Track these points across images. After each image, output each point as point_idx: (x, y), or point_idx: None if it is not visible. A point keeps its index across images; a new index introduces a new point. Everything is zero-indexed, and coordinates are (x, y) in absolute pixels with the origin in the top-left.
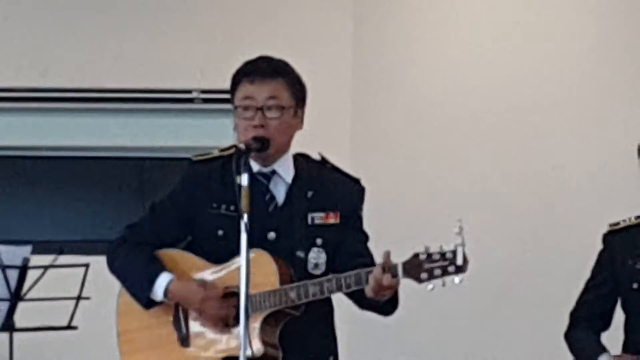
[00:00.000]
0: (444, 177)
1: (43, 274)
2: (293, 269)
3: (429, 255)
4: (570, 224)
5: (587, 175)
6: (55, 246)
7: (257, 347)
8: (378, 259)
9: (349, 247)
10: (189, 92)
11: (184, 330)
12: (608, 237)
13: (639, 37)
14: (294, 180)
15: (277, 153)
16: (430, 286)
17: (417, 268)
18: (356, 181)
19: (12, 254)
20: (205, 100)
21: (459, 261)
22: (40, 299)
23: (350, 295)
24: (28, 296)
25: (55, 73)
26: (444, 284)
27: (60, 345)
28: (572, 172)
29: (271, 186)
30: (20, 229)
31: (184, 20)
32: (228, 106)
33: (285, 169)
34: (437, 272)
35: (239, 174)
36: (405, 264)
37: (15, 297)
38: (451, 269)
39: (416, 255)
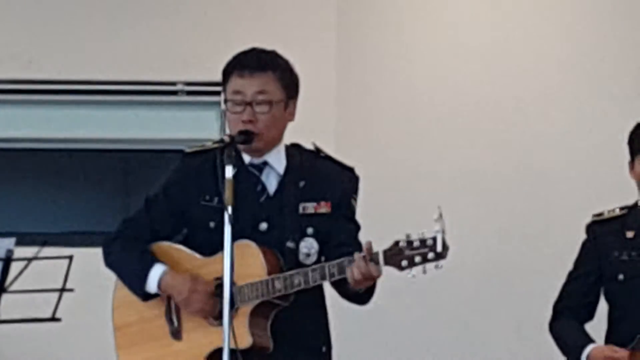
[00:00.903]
0: (428, 168)
1: (26, 266)
2: (284, 260)
3: (410, 243)
4: (556, 216)
5: (575, 169)
6: (39, 238)
7: (246, 338)
8: None
9: (338, 237)
10: (173, 84)
11: (175, 323)
12: (592, 227)
13: (633, 36)
14: (285, 170)
15: (267, 146)
16: (411, 274)
17: (397, 256)
18: (350, 169)
19: None
20: (190, 93)
21: (439, 248)
22: (24, 291)
23: (333, 284)
24: (11, 288)
25: (39, 65)
26: (424, 271)
27: (44, 337)
28: (560, 166)
29: (263, 177)
30: (4, 221)
31: (168, 12)
32: (212, 98)
33: (277, 160)
34: (418, 259)
35: (223, 166)
36: (386, 252)
37: None
38: (431, 255)
39: (397, 243)
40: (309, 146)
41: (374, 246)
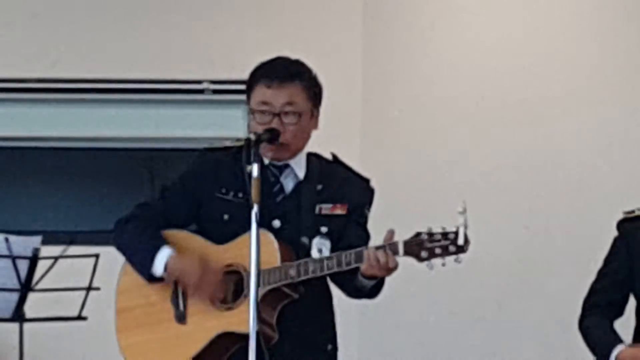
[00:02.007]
0: (453, 167)
1: (53, 264)
2: (297, 255)
3: (431, 235)
4: (582, 213)
5: (598, 166)
6: (65, 237)
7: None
8: None
9: (349, 240)
10: (199, 82)
11: (181, 307)
12: (623, 225)
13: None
14: (305, 176)
15: (292, 156)
16: (430, 265)
17: (418, 246)
18: (366, 181)
19: (23, 245)
20: (215, 91)
21: (461, 241)
22: (50, 290)
23: (339, 283)
24: (38, 287)
25: (65, 64)
26: (444, 264)
27: (70, 336)
28: (582, 163)
29: (282, 178)
30: (31, 220)
31: (194, 11)
32: (238, 97)
33: (298, 164)
34: (438, 251)
35: (249, 163)
36: (406, 242)
37: (26, 287)
38: (452, 248)
39: (418, 234)
40: (328, 156)
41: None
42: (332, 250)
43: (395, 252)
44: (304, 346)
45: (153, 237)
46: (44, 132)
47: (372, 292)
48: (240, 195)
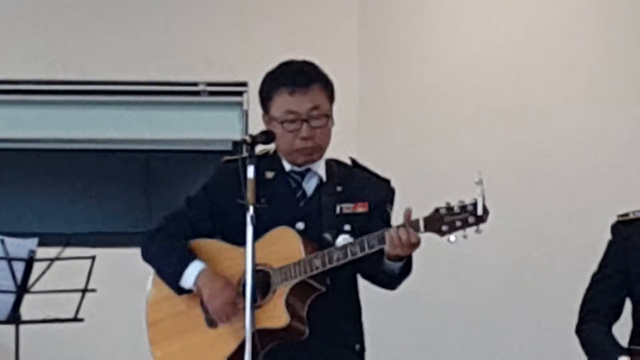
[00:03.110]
0: (449, 168)
1: (49, 266)
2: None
3: (450, 209)
4: (578, 217)
5: (597, 169)
6: (61, 238)
7: (283, 317)
8: None
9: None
10: (196, 84)
11: None
12: (618, 228)
13: (638, 35)
14: (325, 178)
15: (321, 157)
16: (452, 238)
17: (438, 221)
18: (387, 181)
19: (19, 246)
20: (212, 93)
21: (480, 211)
22: (47, 291)
23: (369, 274)
24: (34, 288)
25: (62, 65)
26: (465, 236)
27: (67, 338)
28: (581, 165)
29: (304, 183)
30: (27, 222)
31: (190, 12)
32: (235, 99)
33: (319, 167)
34: (459, 223)
35: (244, 165)
36: (426, 219)
37: (22, 289)
38: (471, 219)
39: (437, 210)
40: (347, 161)
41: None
42: None
43: (417, 229)
44: (333, 344)
45: (184, 250)
46: (40, 133)
47: (402, 273)
48: (263, 201)
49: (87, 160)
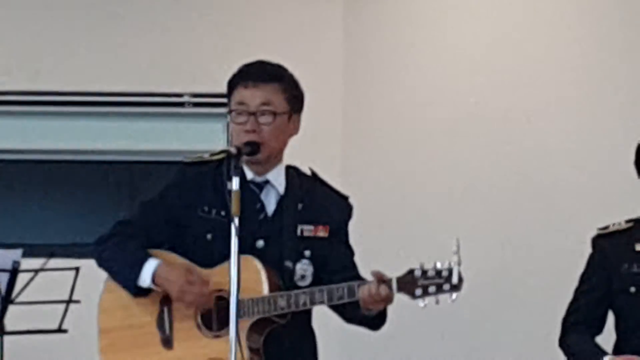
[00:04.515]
0: (434, 179)
1: (33, 277)
2: (281, 279)
3: (424, 272)
4: (563, 228)
5: (579, 178)
6: (45, 249)
7: (244, 353)
8: (366, 272)
9: (337, 261)
10: (180, 95)
11: (167, 330)
12: (598, 241)
13: (636, 38)
14: (285, 191)
15: (270, 159)
16: (423, 303)
17: (411, 284)
18: (345, 198)
19: (3, 258)
20: (196, 105)
21: (455, 280)
22: (31, 303)
23: (336, 308)
24: (18, 299)
25: (46, 76)
26: (437, 302)
27: (51, 349)
28: (567, 176)
29: (262, 195)
30: (11, 233)
31: (174, 24)
32: (219, 110)
33: (277, 179)
34: (432, 289)
35: (230, 178)
36: (399, 279)
37: (6, 300)
38: (446, 287)
39: (411, 272)
40: (306, 170)
41: (373, 263)
42: (315, 274)
43: (390, 288)
44: None
45: (138, 250)
46: (24, 144)
47: (375, 323)
48: (223, 213)
49: (71, 171)
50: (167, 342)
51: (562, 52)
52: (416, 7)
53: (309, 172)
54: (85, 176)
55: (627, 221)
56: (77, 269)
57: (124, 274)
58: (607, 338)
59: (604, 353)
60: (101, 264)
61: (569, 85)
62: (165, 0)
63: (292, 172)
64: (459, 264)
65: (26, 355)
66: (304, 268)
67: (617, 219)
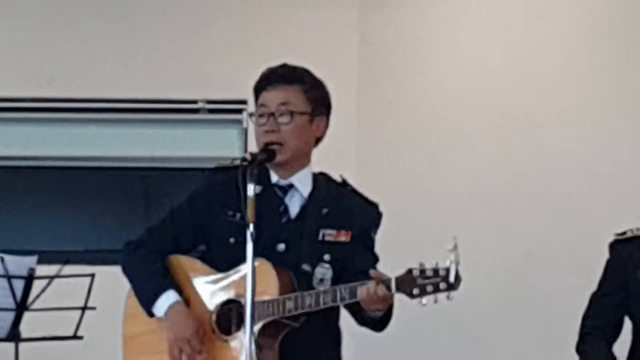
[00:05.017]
0: (449, 188)
1: (49, 284)
2: (298, 282)
3: (422, 272)
4: (578, 236)
5: (593, 184)
6: (60, 256)
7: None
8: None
9: (357, 266)
10: (195, 102)
11: None
12: (615, 247)
13: (639, 41)
14: (310, 195)
15: (293, 161)
16: (423, 302)
17: (409, 283)
18: (374, 205)
19: (18, 264)
20: (211, 111)
21: (452, 279)
22: (46, 309)
23: (350, 310)
24: (34, 306)
25: (60, 83)
26: (435, 301)
27: (66, 356)
28: (578, 181)
29: (287, 199)
30: (26, 239)
31: (189, 30)
32: (234, 116)
33: (303, 183)
34: (430, 288)
35: (245, 183)
36: (398, 279)
37: (21, 307)
38: (443, 285)
39: (410, 271)
40: (337, 177)
41: (389, 269)
42: (335, 278)
43: (389, 289)
44: None
45: (160, 275)
46: (39, 151)
47: (380, 325)
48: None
49: (86, 178)
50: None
51: (579, 61)
52: (430, 12)
53: (339, 179)
54: (100, 183)
55: None
56: (92, 276)
57: (142, 296)
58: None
59: None
60: (125, 273)
61: (586, 95)
62: (180, 7)
63: (320, 178)
64: (457, 262)
65: None
66: (323, 272)
67: (633, 223)
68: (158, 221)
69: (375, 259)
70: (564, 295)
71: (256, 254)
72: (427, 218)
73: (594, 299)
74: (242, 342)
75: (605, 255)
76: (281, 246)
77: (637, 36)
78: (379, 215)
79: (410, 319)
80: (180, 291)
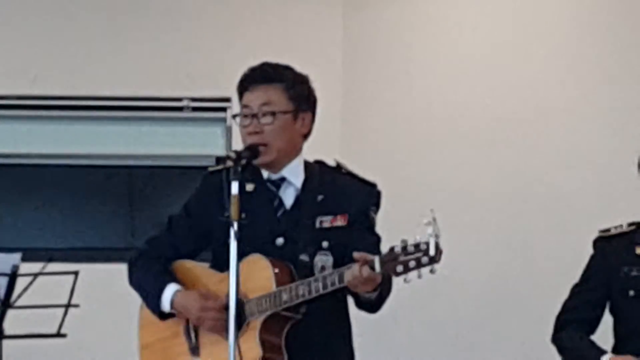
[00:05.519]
0: (433, 181)
1: (32, 281)
2: (298, 273)
3: (404, 248)
4: (562, 230)
5: (579, 180)
6: (44, 254)
7: (256, 351)
8: None
9: (356, 248)
10: (179, 100)
11: (193, 339)
12: (599, 243)
13: (635, 49)
14: (303, 185)
15: (279, 158)
16: (407, 278)
17: (393, 261)
18: (371, 184)
19: (2, 262)
20: (195, 109)
21: (432, 251)
22: (30, 307)
23: (349, 292)
24: (17, 303)
25: (44, 80)
26: (419, 276)
27: (50, 353)
28: (564, 179)
29: (280, 192)
30: (10, 237)
31: (173, 28)
32: (218, 114)
33: (294, 174)
34: (412, 264)
35: (229, 182)
36: (382, 259)
37: (5, 304)
38: (424, 260)
39: (392, 249)
40: (331, 162)
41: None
42: (336, 264)
43: (372, 269)
44: None
45: (160, 275)
46: (23, 149)
47: (374, 306)
48: (243, 216)
49: (70, 176)
50: (195, 350)
51: (562, 53)
52: (415, 8)
53: (334, 164)
54: (85, 180)
55: (630, 224)
56: (76, 273)
57: (148, 301)
58: (603, 341)
59: (603, 351)
60: (132, 286)
61: (568, 87)
62: (164, 5)
63: (313, 166)
64: (437, 235)
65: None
66: (323, 259)
67: (619, 221)
68: (156, 232)
69: (376, 239)
70: (550, 293)
71: (256, 250)
72: (410, 213)
73: (575, 292)
74: (242, 341)
75: (588, 250)
76: (280, 240)
77: (629, 33)
78: (376, 194)
79: (390, 317)
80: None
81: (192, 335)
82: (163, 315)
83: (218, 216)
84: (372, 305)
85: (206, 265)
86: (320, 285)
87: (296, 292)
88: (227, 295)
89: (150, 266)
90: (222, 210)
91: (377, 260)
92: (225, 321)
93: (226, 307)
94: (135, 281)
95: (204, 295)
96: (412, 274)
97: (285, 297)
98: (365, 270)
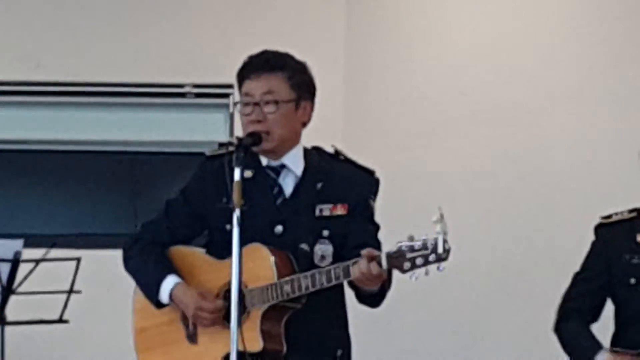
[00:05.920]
0: (435, 170)
1: (35, 267)
2: (298, 262)
3: (412, 245)
4: (563, 218)
5: (580, 171)
6: (47, 240)
7: (257, 341)
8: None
9: (356, 238)
10: (182, 86)
11: (191, 327)
12: (600, 230)
13: (636, 37)
14: (303, 172)
15: (280, 146)
16: (414, 276)
17: (400, 258)
18: (369, 172)
19: (4, 248)
20: (198, 95)
21: (440, 249)
22: (32, 293)
23: (351, 285)
24: (20, 290)
25: (47, 66)
26: (427, 273)
27: (52, 339)
28: (565, 168)
29: (280, 179)
30: (12, 223)
31: (176, 14)
32: (220, 100)
33: (294, 162)
34: (419, 261)
35: (231, 168)
36: (388, 255)
37: (7, 290)
38: (432, 257)
39: (399, 246)
40: (329, 149)
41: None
42: (336, 254)
43: (380, 265)
44: (312, 353)
45: (158, 264)
46: (26, 135)
47: (376, 300)
48: (242, 203)
49: (73, 162)
50: (192, 337)
51: (562, 47)
52: (418, 1)
53: (331, 150)
54: (87, 167)
55: (630, 211)
56: (78, 260)
57: (145, 289)
58: (604, 329)
59: (600, 347)
60: (127, 271)
61: (572, 79)
62: None
63: (312, 153)
64: (445, 233)
65: (27, 346)
66: (323, 248)
67: (619, 208)
68: (154, 215)
69: (375, 228)
70: (547, 277)
71: (254, 238)
72: (412, 203)
73: (577, 280)
74: (242, 330)
75: (588, 237)
76: (279, 228)
77: (628, 25)
78: (375, 182)
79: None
80: (180, 277)
81: (190, 322)
82: (160, 305)
83: (216, 202)
84: (374, 300)
85: (202, 251)
86: (325, 278)
87: (299, 284)
88: (225, 290)
89: (147, 253)
90: (220, 196)
91: (384, 256)
92: (222, 318)
93: (226, 301)
94: (131, 267)
95: (202, 294)
96: (419, 271)
97: (287, 288)
98: (375, 268)
